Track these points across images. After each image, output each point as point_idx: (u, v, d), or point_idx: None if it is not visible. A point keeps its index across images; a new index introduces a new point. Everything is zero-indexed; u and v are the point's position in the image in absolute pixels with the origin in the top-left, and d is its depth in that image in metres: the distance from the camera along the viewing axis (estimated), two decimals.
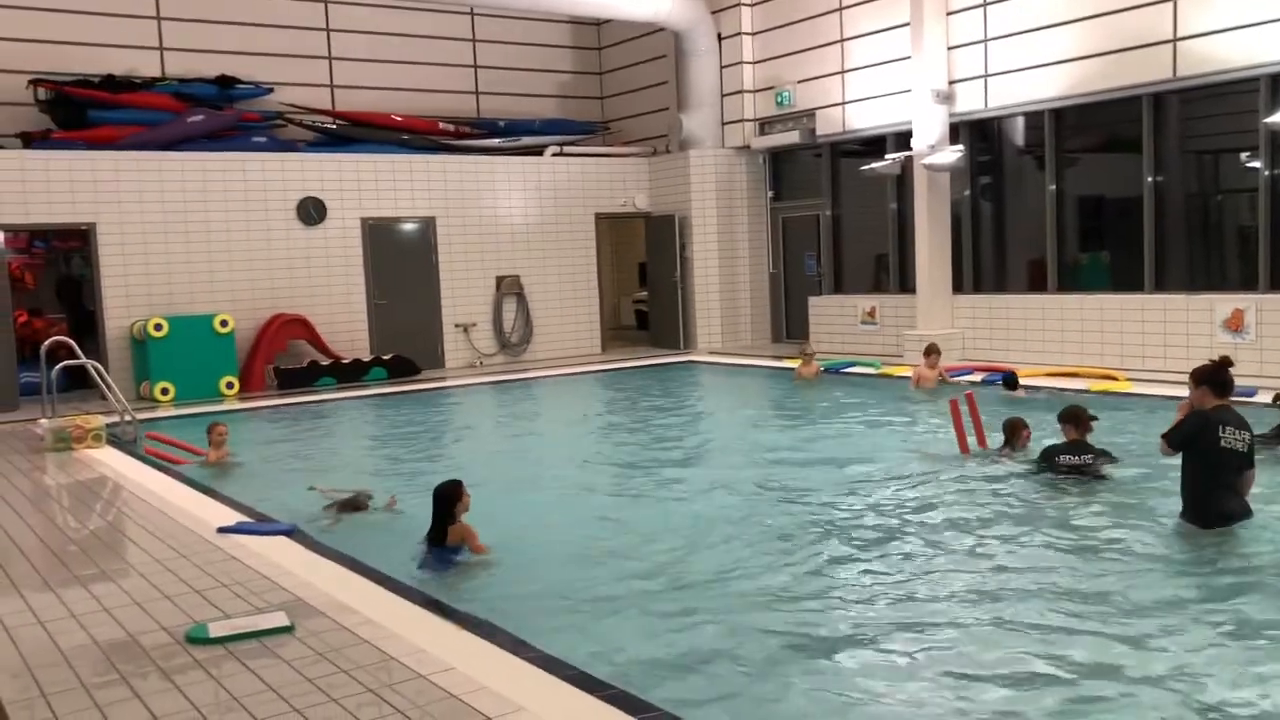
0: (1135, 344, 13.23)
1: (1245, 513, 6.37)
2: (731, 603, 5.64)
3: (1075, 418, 8.03)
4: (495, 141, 18.79)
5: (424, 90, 19.27)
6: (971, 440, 9.00)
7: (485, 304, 18.16)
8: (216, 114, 16.57)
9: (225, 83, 17.04)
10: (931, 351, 12.90)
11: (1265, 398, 9.66)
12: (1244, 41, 12.13)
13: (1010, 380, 11.94)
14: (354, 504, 7.87)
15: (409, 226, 17.52)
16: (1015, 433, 8.73)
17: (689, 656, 4.91)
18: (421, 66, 19.32)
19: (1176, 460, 6.55)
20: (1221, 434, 6.24)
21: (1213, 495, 6.31)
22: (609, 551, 6.74)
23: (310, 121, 17.67)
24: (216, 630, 5.04)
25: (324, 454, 10.94)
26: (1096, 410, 8.51)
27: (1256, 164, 12.52)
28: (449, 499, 6.48)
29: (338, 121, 17.91)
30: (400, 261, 17.37)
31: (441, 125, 18.65)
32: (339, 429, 12.93)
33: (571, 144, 19.52)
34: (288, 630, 5.05)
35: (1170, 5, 12.77)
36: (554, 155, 18.91)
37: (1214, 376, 6.39)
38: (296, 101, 17.79)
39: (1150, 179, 13.44)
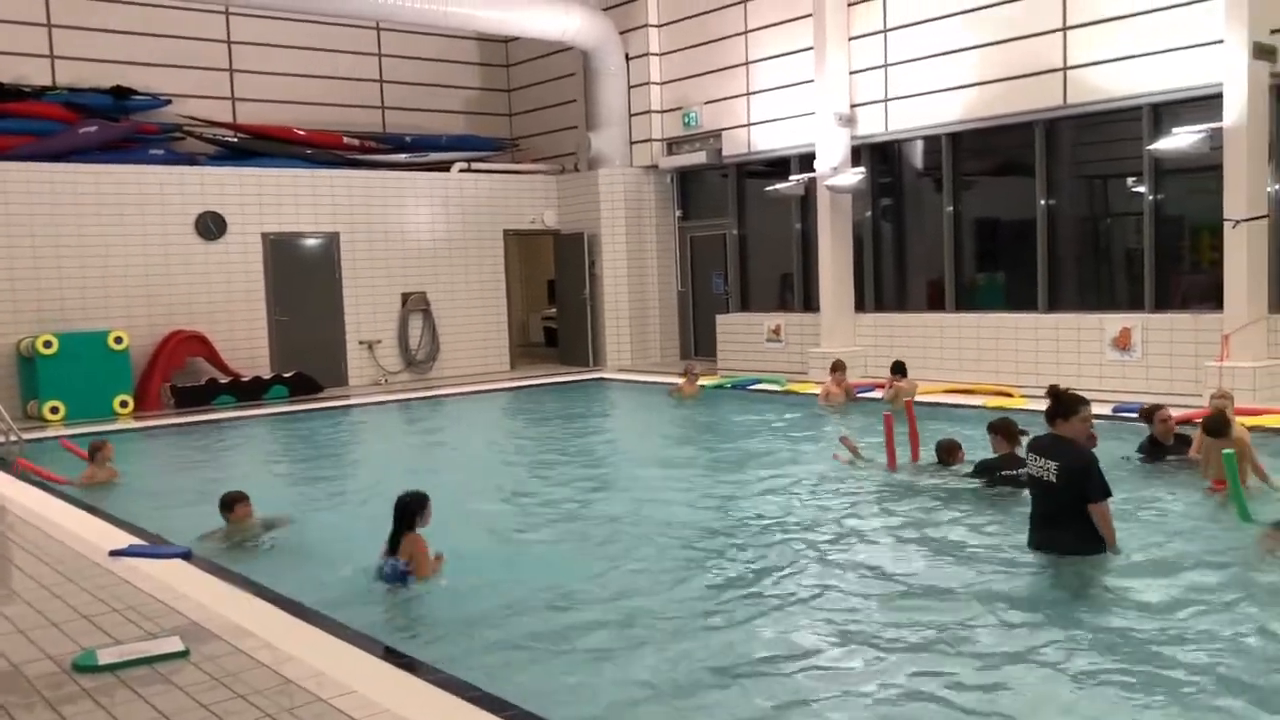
0: (1029, 361, 13.65)
1: (1072, 548, 6.08)
2: (643, 623, 5.64)
3: (1006, 430, 8.14)
4: (401, 157, 18.61)
5: (329, 104, 19.00)
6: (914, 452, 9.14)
7: (390, 321, 17.93)
8: (111, 125, 16.09)
9: (120, 93, 16.56)
10: (838, 368, 13.14)
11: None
12: (1128, 72, 12.65)
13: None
14: (268, 524, 7.71)
15: (312, 242, 17.23)
16: (951, 454, 8.72)
17: (599, 678, 4.90)
18: (326, 80, 19.05)
19: None
20: (1031, 464, 6.22)
21: (1035, 522, 6.31)
22: (514, 574, 6.69)
23: (210, 134, 17.27)
24: (106, 657, 4.86)
25: (220, 473, 10.66)
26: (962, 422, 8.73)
27: (1141, 189, 13.04)
28: (408, 510, 6.33)
29: (239, 135, 17.53)
30: (303, 277, 17.06)
31: (346, 140, 18.39)
32: (237, 448, 12.62)
33: (479, 160, 19.43)
34: (182, 655, 4.91)
35: (1060, 36, 13.26)
36: (461, 171, 18.81)
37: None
38: (196, 114, 17.38)
39: (1043, 202, 13.91)
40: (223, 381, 15.59)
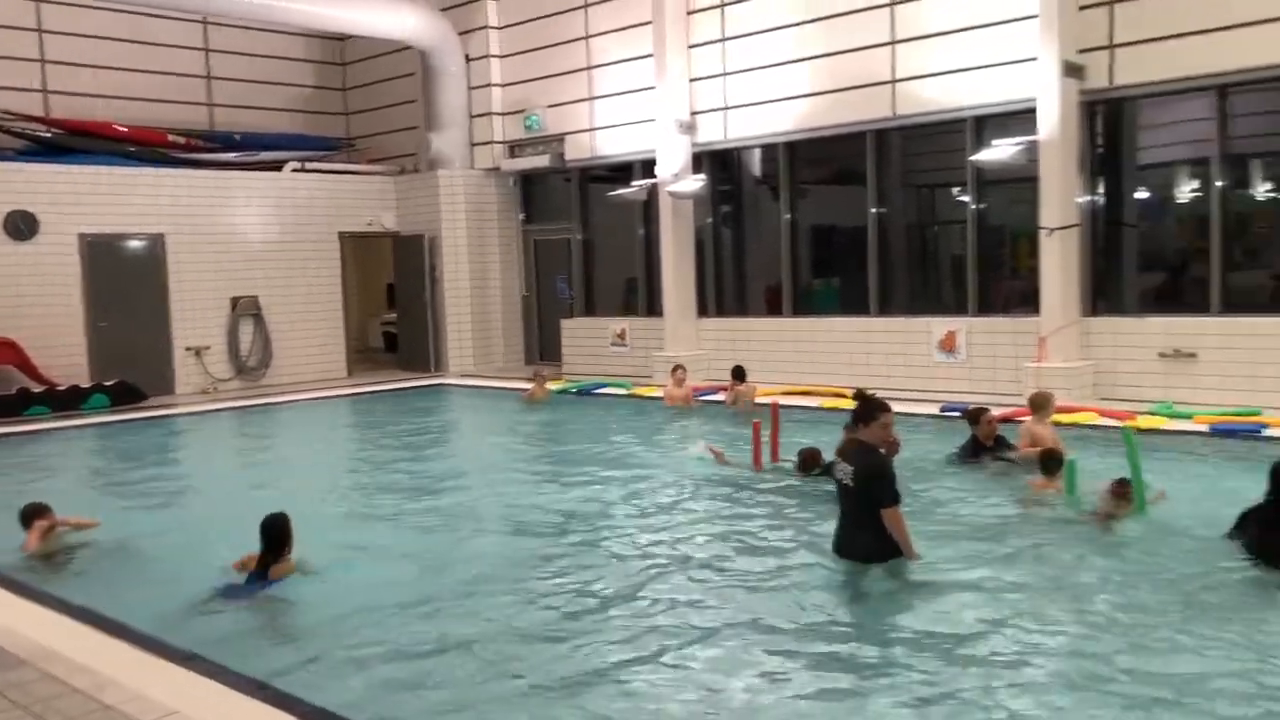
0: (863, 364, 14.10)
1: (869, 554, 6.13)
2: (482, 628, 5.56)
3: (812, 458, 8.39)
4: (231, 156, 17.91)
5: (152, 100, 18.14)
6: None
7: (220, 326, 17.20)
8: None
9: None
10: (678, 369, 13.33)
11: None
12: (952, 86, 13.23)
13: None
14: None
15: (135, 243, 16.39)
16: (814, 460, 8.69)
17: (441, 689, 4.80)
18: (149, 75, 18.17)
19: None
20: (836, 468, 6.36)
21: (839, 526, 6.42)
22: (352, 583, 6.48)
23: (20, 129, 16.23)
24: None
25: (27, 486, 9.99)
26: (832, 426, 8.97)
27: (965, 198, 13.66)
28: (284, 533, 6.13)
29: (53, 130, 16.55)
30: (125, 280, 16.20)
31: (171, 137, 17.58)
32: (50, 462, 11.86)
33: (313, 160, 18.87)
34: None
35: (890, 49, 13.76)
36: (294, 171, 18.22)
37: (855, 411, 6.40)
38: (5, 107, 16.31)
39: (874, 210, 14.40)
40: (36, 391, 14.65)
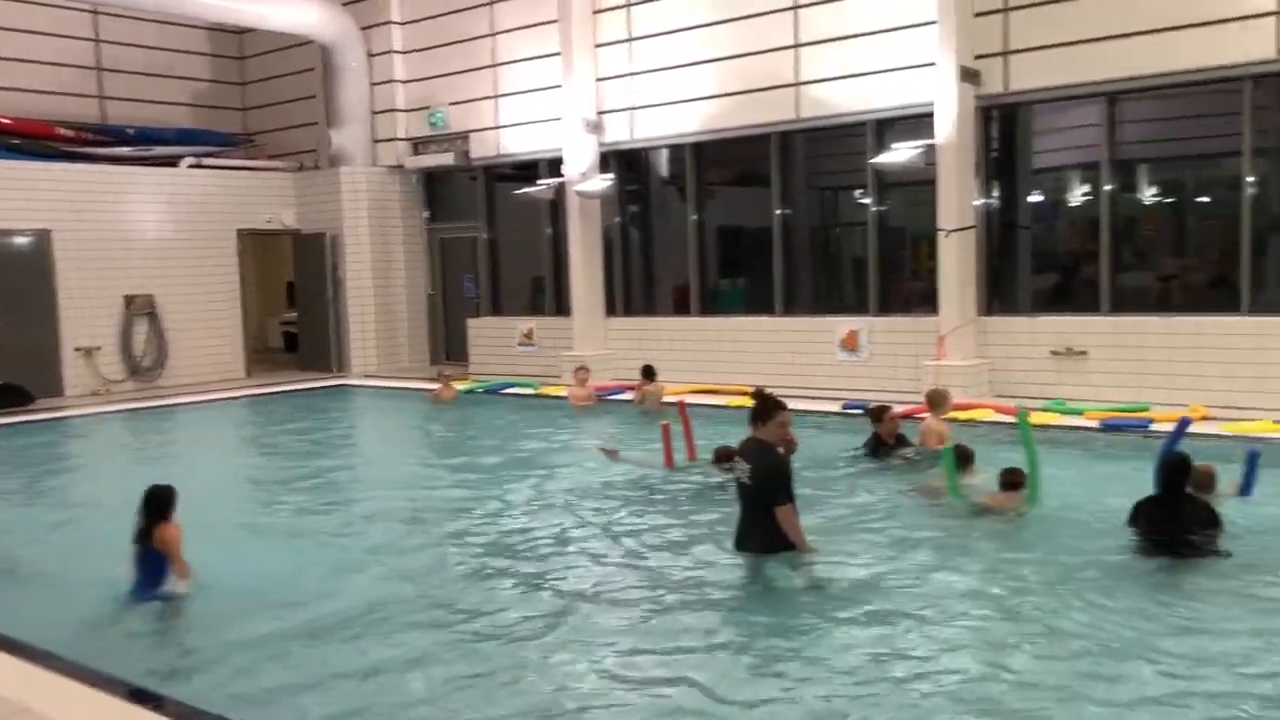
0: (768, 363, 14.25)
1: (765, 548, 6.20)
2: (396, 633, 5.48)
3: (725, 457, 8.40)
4: (123, 151, 17.33)
5: (39, 91, 17.48)
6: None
7: (112, 325, 16.62)
8: None
9: None
10: (580, 369, 13.39)
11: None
12: (854, 89, 13.45)
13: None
14: None
15: (20, 240, 15.74)
16: (727, 457, 8.63)
17: (352, 699, 4.71)
18: (35, 65, 17.50)
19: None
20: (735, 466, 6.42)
21: (739, 521, 6.44)
22: (254, 589, 6.31)
23: None
24: None
25: None
26: (737, 424, 9.06)
27: (867, 201, 13.90)
28: (161, 500, 5.99)
29: None
30: (9, 278, 15.54)
31: (59, 130, 16.94)
32: None
33: (210, 156, 18.37)
34: None
35: (793, 52, 13.94)
36: (191, 167, 17.71)
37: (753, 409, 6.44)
38: None
39: (779, 212, 14.57)
40: None
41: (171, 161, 17.63)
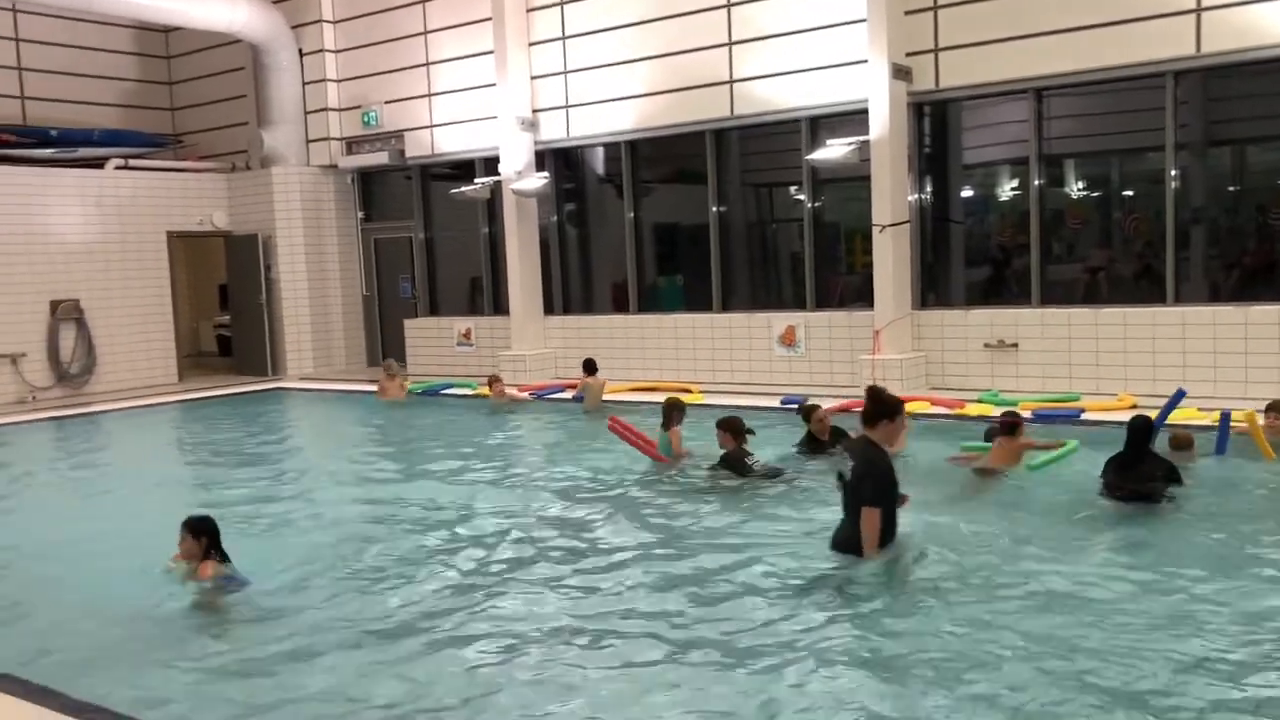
0: (707, 359, 14.33)
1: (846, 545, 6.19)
2: (324, 638, 5.41)
3: (733, 427, 8.45)
4: (47, 152, 16.90)
5: None
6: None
7: (38, 331, 16.21)
8: None
9: None
10: (494, 381, 13.47)
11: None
12: (788, 87, 13.56)
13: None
14: None
15: None
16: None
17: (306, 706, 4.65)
18: None
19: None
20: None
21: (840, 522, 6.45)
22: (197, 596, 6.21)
23: None
24: None
25: None
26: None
27: (802, 197, 14.02)
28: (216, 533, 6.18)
29: None
30: None
31: None
32: None
33: (138, 157, 17.99)
34: None
35: (726, 50, 14.00)
36: (117, 169, 17.34)
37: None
38: None
39: (715, 209, 14.64)
40: None
41: (98, 163, 17.24)
